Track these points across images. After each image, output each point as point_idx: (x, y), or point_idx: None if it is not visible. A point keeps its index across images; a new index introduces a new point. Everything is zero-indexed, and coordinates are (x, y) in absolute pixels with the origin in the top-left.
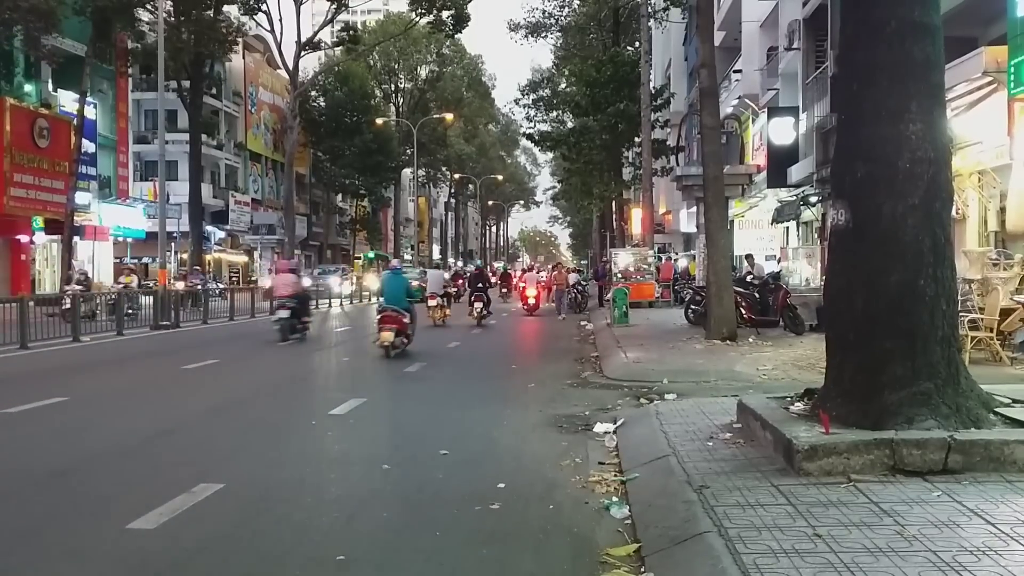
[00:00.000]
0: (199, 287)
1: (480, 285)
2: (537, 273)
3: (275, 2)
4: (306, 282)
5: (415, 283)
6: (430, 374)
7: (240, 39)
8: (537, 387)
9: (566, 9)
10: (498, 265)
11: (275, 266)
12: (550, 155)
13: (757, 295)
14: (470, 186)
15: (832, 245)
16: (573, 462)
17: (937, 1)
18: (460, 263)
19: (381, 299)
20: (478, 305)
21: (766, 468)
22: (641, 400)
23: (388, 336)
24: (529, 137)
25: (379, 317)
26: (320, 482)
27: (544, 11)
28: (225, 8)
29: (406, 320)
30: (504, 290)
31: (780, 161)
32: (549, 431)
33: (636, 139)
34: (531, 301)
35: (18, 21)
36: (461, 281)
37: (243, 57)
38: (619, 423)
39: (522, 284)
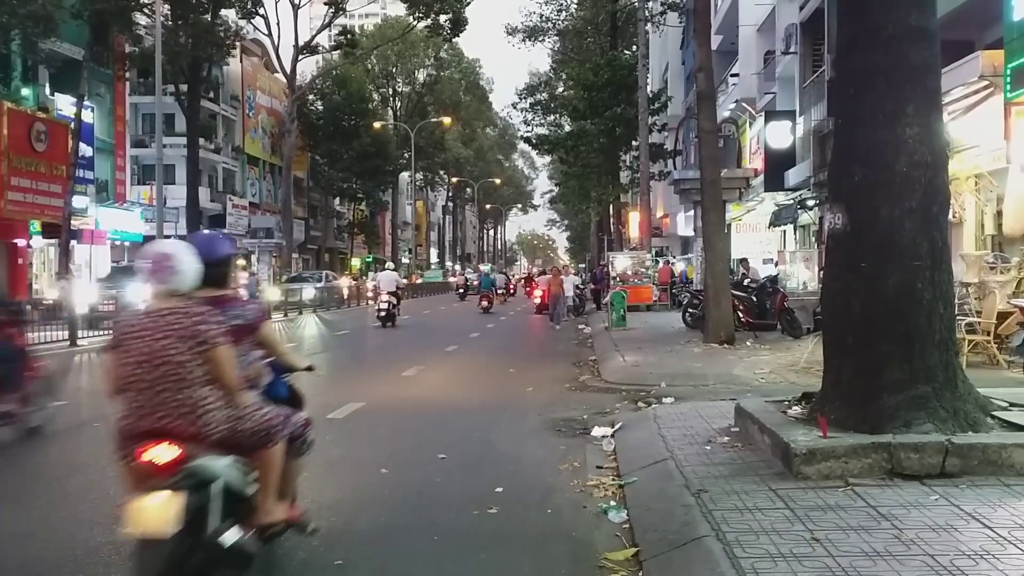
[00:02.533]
0: None
1: (505, 282)
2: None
3: (273, 6)
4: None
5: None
6: (428, 378)
7: (238, 43)
8: (535, 391)
9: (563, 13)
10: (485, 268)
11: (462, 269)
12: (548, 158)
13: (755, 298)
14: (468, 189)
15: (829, 248)
16: (571, 466)
17: (934, 5)
18: (458, 267)
19: (478, 285)
20: (500, 292)
21: (764, 472)
22: (639, 404)
23: (485, 304)
24: (527, 140)
25: (479, 296)
26: (318, 486)
27: (542, 15)
28: (223, 12)
29: (492, 297)
30: (528, 290)
31: (777, 165)
32: (547, 435)
33: (634, 143)
34: (537, 300)
35: (16, 25)
36: None
37: (241, 61)
38: (617, 427)
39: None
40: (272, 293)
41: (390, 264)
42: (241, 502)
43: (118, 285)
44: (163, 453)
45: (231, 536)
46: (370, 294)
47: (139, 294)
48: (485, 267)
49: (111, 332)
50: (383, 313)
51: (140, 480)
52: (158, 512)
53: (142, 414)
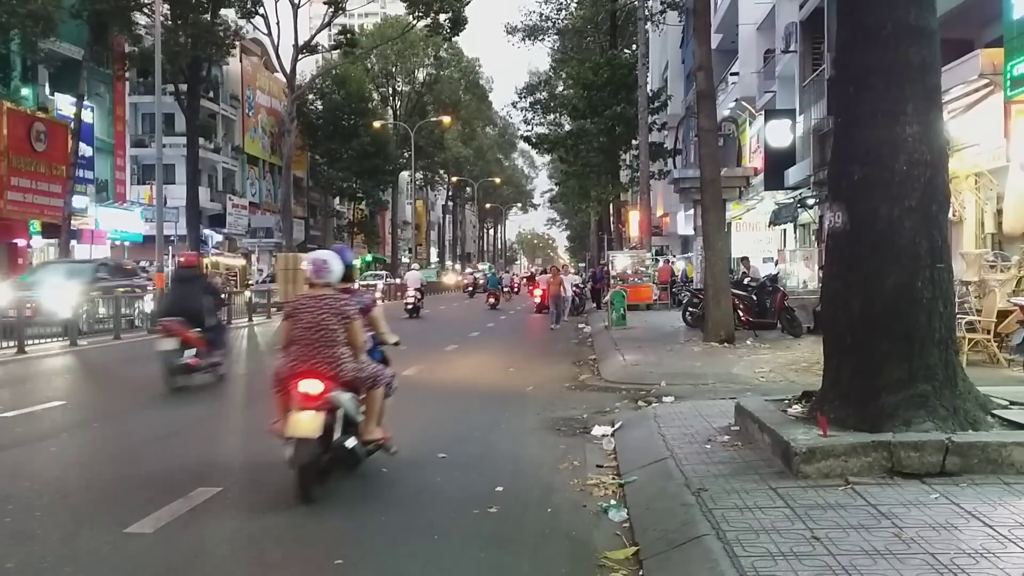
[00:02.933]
0: None
1: (509, 281)
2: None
3: (272, 5)
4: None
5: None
6: (427, 377)
7: (237, 42)
8: (535, 390)
9: (563, 12)
10: (483, 267)
11: (463, 269)
12: (548, 158)
13: (755, 297)
14: (468, 189)
15: (829, 248)
16: (571, 465)
17: (933, 4)
18: (458, 266)
19: (485, 283)
20: (506, 290)
21: (764, 471)
22: (639, 403)
23: (492, 300)
24: (527, 140)
25: (487, 294)
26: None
27: (541, 14)
28: (222, 11)
29: (499, 294)
30: (530, 288)
31: (777, 163)
32: (547, 434)
33: (633, 142)
34: (537, 300)
35: (15, 25)
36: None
37: (240, 60)
38: (617, 426)
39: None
40: None
41: (415, 265)
42: (352, 425)
43: (39, 286)
44: (313, 386)
45: (350, 443)
46: None
47: (62, 295)
48: (483, 266)
49: (285, 308)
50: (410, 306)
51: (293, 404)
52: (309, 423)
53: (302, 361)
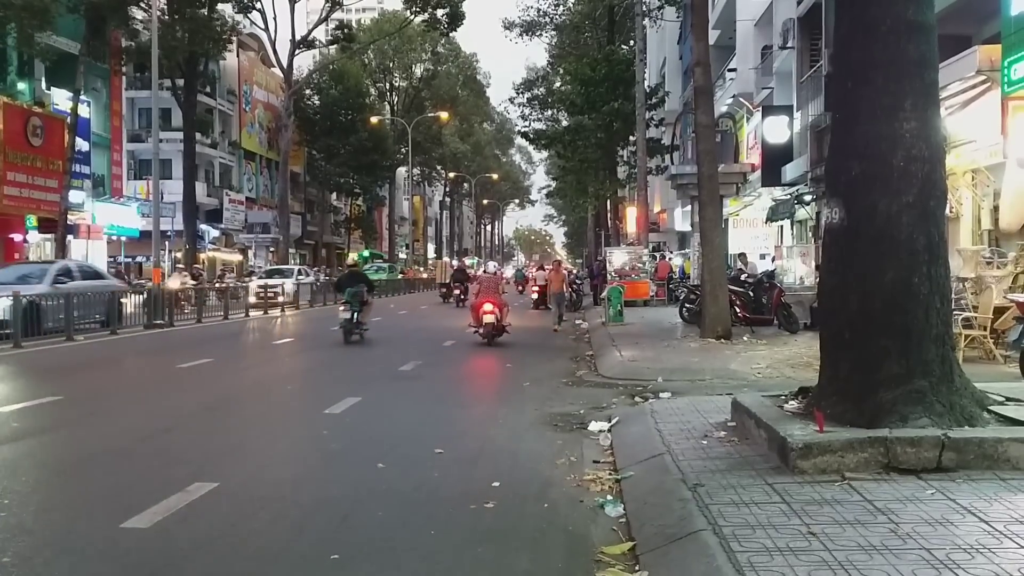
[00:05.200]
0: None
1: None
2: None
3: (270, 0)
4: None
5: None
6: (425, 373)
7: (234, 37)
8: (532, 385)
9: (561, 7)
10: (469, 261)
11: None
12: (545, 153)
13: (752, 294)
14: (465, 185)
15: (827, 243)
16: (568, 460)
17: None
18: (454, 262)
19: (512, 277)
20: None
21: (761, 466)
22: (636, 398)
23: (520, 288)
24: (524, 135)
25: (515, 283)
26: (315, 481)
27: (539, 9)
28: (219, 6)
29: (524, 284)
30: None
31: (774, 160)
32: (544, 430)
33: (631, 137)
34: (534, 296)
35: (12, 18)
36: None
37: (237, 55)
38: (614, 421)
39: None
40: None
41: (492, 262)
42: (500, 320)
43: None
44: (491, 306)
45: (506, 330)
46: (253, 298)
47: None
48: (470, 260)
49: (478, 282)
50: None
51: (482, 314)
52: (491, 317)
53: (485, 297)
